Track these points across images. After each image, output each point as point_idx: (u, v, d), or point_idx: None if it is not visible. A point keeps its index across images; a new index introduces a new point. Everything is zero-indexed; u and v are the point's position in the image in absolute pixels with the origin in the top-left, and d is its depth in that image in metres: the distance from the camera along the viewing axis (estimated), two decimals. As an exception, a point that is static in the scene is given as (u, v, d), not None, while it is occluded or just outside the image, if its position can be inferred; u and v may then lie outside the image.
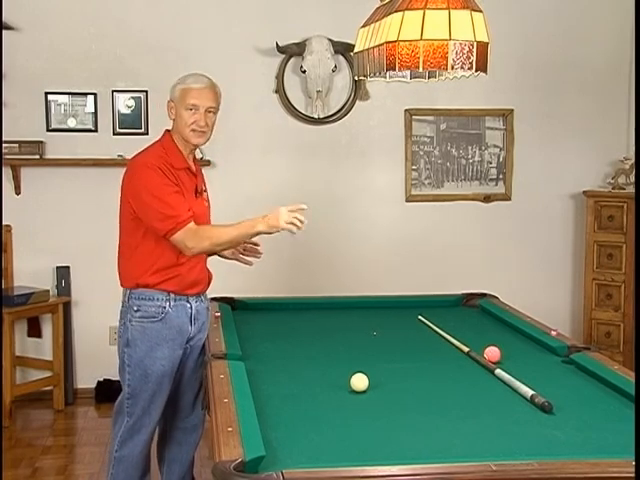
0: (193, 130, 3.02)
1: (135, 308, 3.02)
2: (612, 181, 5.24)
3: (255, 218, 2.94)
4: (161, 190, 2.91)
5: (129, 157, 4.88)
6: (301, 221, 2.87)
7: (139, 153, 3.10)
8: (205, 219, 3.12)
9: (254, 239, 3.19)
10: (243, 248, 3.27)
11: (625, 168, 5.19)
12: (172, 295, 3.03)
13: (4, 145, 4.69)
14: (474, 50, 2.56)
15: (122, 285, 3.09)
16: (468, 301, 3.96)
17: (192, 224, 2.92)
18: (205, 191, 3.21)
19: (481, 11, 2.64)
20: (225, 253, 3.28)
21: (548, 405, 2.42)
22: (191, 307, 3.09)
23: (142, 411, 3.04)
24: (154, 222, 2.92)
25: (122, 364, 3.07)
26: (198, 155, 4.95)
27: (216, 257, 3.32)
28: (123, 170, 4.99)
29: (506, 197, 5.41)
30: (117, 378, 4.96)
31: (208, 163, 4.99)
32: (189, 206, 2.96)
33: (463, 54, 2.55)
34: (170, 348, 3.04)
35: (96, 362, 5.04)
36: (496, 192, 5.40)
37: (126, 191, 3.02)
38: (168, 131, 3.15)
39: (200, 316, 3.14)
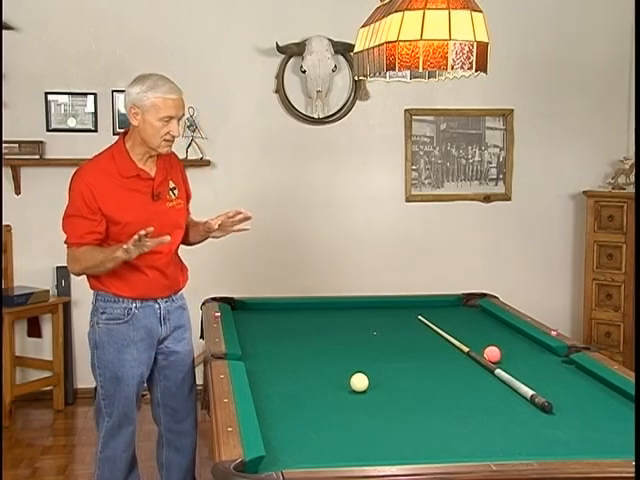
0: (166, 140, 2.94)
1: (101, 310, 3.02)
2: (612, 181, 5.24)
3: (115, 245, 2.89)
4: (69, 208, 2.99)
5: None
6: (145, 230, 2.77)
7: (82, 164, 3.06)
8: (166, 221, 3.00)
9: (232, 210, 3.08)
10: (231, 221, 3.08)
11: (625, 168, 5.19)
12: (137, 299, 3.02)
13: (4, 145, 4.69)
14: (474, 50, 2.56)
15: (90, 286, 3.10)
16: (468, 301, 3.96)
17: (75, 248, 2.95)
18: (173, 189, 3.09)
19: (481, 11, 2.64)
20: (215, 233, 3.12)
21: (548, 405, 2.42)
22: (160, 307, 3.07)
23: (118, 412, 3.04)
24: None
25: (93, 366, 3.10)
26: (198, 155, 4.98)
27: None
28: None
29: (506, 197, 5.41)
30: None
31: (208, 163, 5.00)
32: (96, 230, 2.93)
33: (463, 54, 2.55)
34: (138, 350, 3.02)
35: (96, 362, 5.04)
36: (496, 192, 5.40)
37: None
38: (124, 135, 3.06)
39: (171, 316, 3.10)
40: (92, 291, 3.12)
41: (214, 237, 3.16)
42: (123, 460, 3.10)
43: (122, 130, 4.92)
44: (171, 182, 3.10)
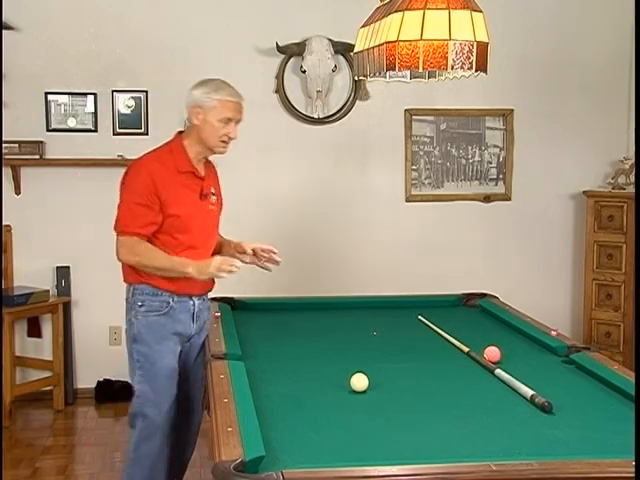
0: (224, 141, 3.09)
1: (139, 303, 3.06)
2: (612, 181, 5.24)
3: (193, 261, 3.01)
4: (131, 195, 2.99)
5: (129, 157, 4.93)
6: (236, 267, 2.97)
7: (144, 155, 3.13)
8: (207, 221, 3.16)
9: (270, 245, 3.24)
10: (263, 255, 3.24)
11: (625, 168, 5.19)
12: (175, 294, 3.07)
13: (4, 145, 4.69)
14: (474, 50, 2.56)
15: (125, 280, 3.12)
16: (468, 301, 3.96)
17: (137, 238, 2.98)
18: (214, 195, 3.22)
19: (481, 11, 2.64)
20: (244, 258, 3.26)
21: (548, 405, 2.42)
22: (194, 305, 3.13)
23: (155, 410, 3.03)
24: (115, 218, 3.03)
25: (132, 361, 3.10)
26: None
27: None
28: (123, 170, 5.01)
29: (506, 197, 5.41)
30: (117, 378, 5.04)
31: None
32: (155, 220, 2.99)
33: (463, 54, 2.55)
34: (174, 342, 3.08)
35: (96, 362, 5.05)
36: (496, 192, 5.40)
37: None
38: (180, 133, 3.15)
39: (202, 315, 3.20)
40: (126, 285, 3.13)
41: (242, 261, 3.26)
42: (157, 462, 3.07)
43: (122, 130, 5.00)
44: (212, 187, 3.22)
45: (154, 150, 3.14)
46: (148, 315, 3.06)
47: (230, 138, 3.09)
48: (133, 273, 3.07)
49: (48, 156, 4.88)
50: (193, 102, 3.06)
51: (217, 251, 3.26)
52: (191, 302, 3.12)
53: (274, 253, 3.23)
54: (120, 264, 3.11)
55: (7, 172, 4.82)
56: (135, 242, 2.98)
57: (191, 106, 3.06)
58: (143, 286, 3.06)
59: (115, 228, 3.03)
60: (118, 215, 3.03)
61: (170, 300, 3.06)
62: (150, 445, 3.04)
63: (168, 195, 2.99)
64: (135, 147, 4.91)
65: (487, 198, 5.39)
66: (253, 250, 3.23)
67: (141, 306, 3.06)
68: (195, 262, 2.99)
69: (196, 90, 3.07)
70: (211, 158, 3.26)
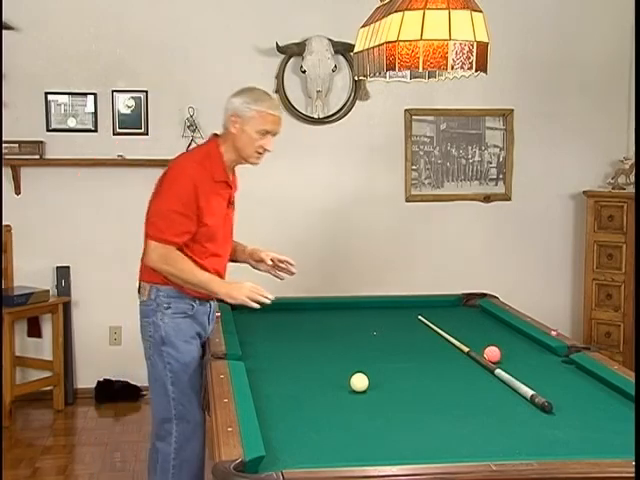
0: (259, 153, 3.06)
1: (165, 305, 3.01)
2: (612, 181, 5.24)
3: (222, 280, 3.04)
4: (172, 202, 2.93)
5: (129, 157, 4.95)
6: (269, 299, 2.97)
7: (185, 155, 3.11)
8: (228, 228, 3.16)
9: (287, 256, 3.25)
10: (280, 265, 3.26)
11: (625, 168, 5.19)
12: (197, 297, 3.07)
13: (4, 145, 4.69)
14: (474, 50, 2.56)
15: (145, 279, 3.06)
16: (468, 301, 3.96)
17: (172, 248, 2.93)
18: (234, 202, 3.21)
19: (481, 11, 2.64)
20: (260, 266, 3.28)
21: (548, 405, 2.42)
22: (210, 307, 3.15)
23: (192, 409, 3.00)
24: (149, 220, 2.98)
25: (158, 363, 3.02)
26: (198, 155, 4.97)
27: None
28: (123, 170, 5.05)
29: (506, 197, 5.41)
30: (117, 378, 5.04)
31: (208, 163, 4.99)
32: (191, 230, 2.95)
33: (463, 54, 2.55)
34: (197, 343, 3.08)
35: (96, 362, 5.05)
36: (496, 192, 5.40)
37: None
38: (216, 136, 3.11)
39: (213, 317, 3.22)
40: (144, 284, 3.05)
41: (255, 267, 3.30)
42: (199, 462, 3.05)
43: (122, 130, 5.00)
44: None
45: (193, 152, 3.11)
46: (175, 317, 3.01)
47: (265, 150, 3.05)
48: (156, 274, 3.01)
49: (48, 156, 4.88)
50: (232, 110, 3.01)
51: (231, 255, 3.24)
52: (208, 305, 3.14)
53: (291, 264, 3.24)
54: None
55: (7, 172, 4.82)
56: (169, 250, 2.93)
57: (229, 114, 3.02)
58: (169, 288, 3.01)
59: (148, 232, 2.97)
60: (154, 219, 2.96)
61: (194, 303, 3.05)
62: (192, 445, 3.02)
63: (205, 204, 2.96)
64: (135, 147, 4.96)
65: (487, 198, 5.39)
66: (272, 260, 3.24)
67: (168, 308, 3.01)
68: (224, 283, 3.01)
69: (236, 98, 3.04)
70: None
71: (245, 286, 2.98)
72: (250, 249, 3.30)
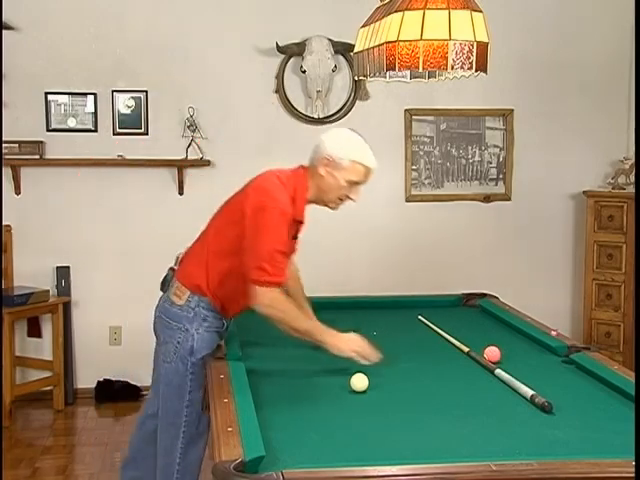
0: (342, 200, 2.96)
1: (203, 317, 2.94)
2: (612, 181, 5.24)
3: (325, 328, 2.88)
4: (276, 242, 2.79)
5: (129, 157, 4.94)
6: (378, 358, 2.79)
7: (275, 184, 2.91)
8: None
9: None
10: None
11: (625, 168, 5.19)
12: (227, 317, 3.04)
13: (4, 145, 4.69)
14: (474, 50, 2.56)
15: (187, 284, 2.95)
16: (468, 301, 3.95)
17: (278, 289, 2.81)
18: None
19: (481, 11, 2.64)
20: None
21: (548, 405, 2.42)
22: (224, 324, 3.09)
23: (198, 417, 2.96)
24: (255, 265, 2.78)
25: (183, 371, 2.92)
26: (198, 155, 4.99)
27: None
28: (123, 170, 5.06)
29: (506, 197, 5.41)
30: (117, 378, 5.04)
31: (208, 163, 5.00)
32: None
33: (463, 54, 2.55)
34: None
35: (96, 362, 5.06)
36: (496, 192, 5.40)
37: (248, 213, 2.84)
38: (304, 169, 2.99)
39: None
40: (188, 292, 2.94)
41: None
42: (199, 466, 3.02)
43: (122, 130, 4.99)
44: None
45: (284, 183, 2.92)
46: (209, 331, 2.95)
47: (349, 199, 2.96)
48: (206, 284, 2.92)
49: (48, 156, 4.88)
50: (325, 152, 2.90)
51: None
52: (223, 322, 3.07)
53: None
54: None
55: (7, 172, 4.82)
56: (278, 294, 2.81)
57: (322, 155, 2.90)
58: (210, 301, 2.94)
59: (255, 277, 2.77)
60: (261, 263, 2.76)
61: (225, 321, 3.02)
62: (197, 448, 2.99)
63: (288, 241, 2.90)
64: (135, 147, 4.96)
65: (487, 198, 5.39)
66: None
67: (205, 320, 2.94)
68: (330, 332, 2.85)
69: (331, 142, 2.93)
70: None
71: (353, 339, 2.83)
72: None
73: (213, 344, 2.95)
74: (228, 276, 2.93)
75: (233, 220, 2.91)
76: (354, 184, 2.92)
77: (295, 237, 3.03)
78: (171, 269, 3.13)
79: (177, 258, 3.14)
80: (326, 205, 2.99)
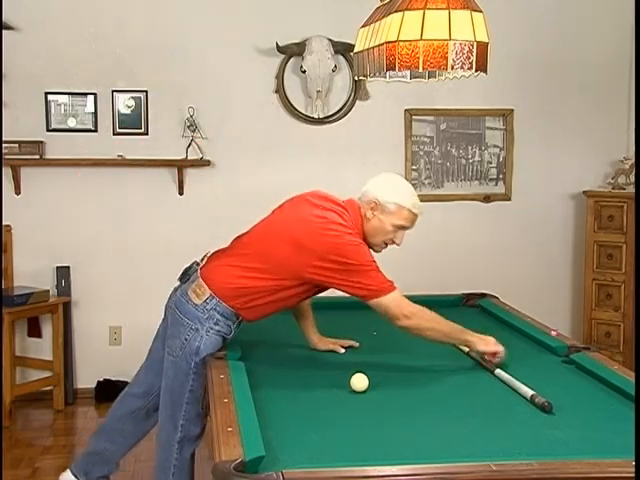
0: (386, 245, 3.01)
1: (215, 320, 2.92)
2: (612, 181, 5.24)
3: (468, 330, 2.93)
4: (365, 258, 2.88)
5: (129, 157, 4.94)
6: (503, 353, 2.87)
7: (334, 220, 2.92)
8: None
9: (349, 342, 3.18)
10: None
11: (625, 168, 5.19)
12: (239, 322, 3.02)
13: (4, 145, 4.69)
14: (474, 50, 2.56)
15: (213, 286, 2.93)
16: (468, 301, 3.96)
17: (398, 292, 2.89)
18: None
19: (481, 11, 2.64)
20: (318, 346, 3.17)
21: (548, 405, 2.42)
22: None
23: (197, 415, 2.98)
24: (354, 287, 2.88)
25: (185, 368, 2.93)
26: (198, 155, 4.99)
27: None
28: (123, 170, 5.06)
29: (506, 197, 5.41)
30: (117, 378, 5.03)
31: (208, 163, 5.00)
32: None
33: (463, 54, 2.55)
34: None
35: (96, 362, 5.06)
36: (496, 192, 5.40)
37: (312, 246, 2.85)
38: (359, 210, 2.99)
39: None
40: (208, 293, 2.93)
41: (314, 345, 3.19)
42: (192, 463, 3.05)
43: (122, 130, 4.98)
44: None
45: (346, 225, 2.92)
46: (218, 334, 2.93)
47: (394, 243, 3.01)
48: (232, 294, 2.92)
49: (48, 156, 4.88)
50: (374, 196, 2.94)
51: (299, 316, 3.23)
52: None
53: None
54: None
55: (7, 172, 4.82)
56: (400, 295, 2.89)
57: (371, 198, 2.95)
58: (227, 307, 2.92)
59: (370, 293, 2.85)
60: (358, 283, 2.84)
61: (234, 328, 2.98)
62: (193, 446, 3.01)
63: None
64: (135, 147, 4.96)
65: (487, 198, 5.39)
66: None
67: (216, 324, 2.92)
68: (470, 332, 2.92)
69: (384, 187, 2.97)
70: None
71: (490, 339, 2.91)
72: (319, 336, 3.21)
73: (217, 347, 2.94)
74: (258, 294, 2.93)
75: (285, 250, 2.90)
76: (400, 228, 2.96)
77: None
78: (196, 263, 3.11)
79: (205, 255, 3.12)
80: (371, 248, 3.00)
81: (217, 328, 2.93)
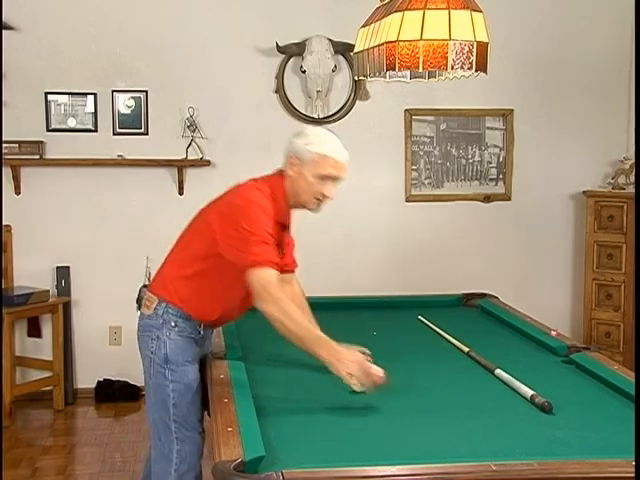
0: (318, 199, 2.82)
1: (172, 323, 2.83)
2: (612, 181, 5.24)
3: (330, 343, 2.58)
4: (260, 230, 2.67)
5: (129, 157, 4.94)
6: (382, 379, 2.51)
7: (247, 186, 2.82)
8: None
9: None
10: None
11: (625, 168, 5.19)
12: (210, 325, 2.94)
13: (4, 145, 4.69)
14: (474, 50, 2.56)
15: (156, 292, 2.86)
16: (468, 301, 3.96)
17: (273, 273, 2.64)
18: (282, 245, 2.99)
19: (481, 11, 2.64)
20: None
21: (548, 405, 2.42)
22: (212, 332, 3.01)
23: (196, 422, 2.86)
24: (239, 253, 2.67)
25: (163, 384, 2.80)
26: (198, 155, 4.99)
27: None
28: (123, 170, 5.06)
29: (506, 197, 5.41)
30: (117, 378, 5.04)
31: (208, 163, 5.00)
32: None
33: (463, 54, 2.55)
34: (197, 366, 2.89)
35: (96, 362, 5.05)
36: (496, 192, 5.40)
37: (218, 215, 2.76)
38: (281, 174, 2.86)
39: (212, 339, 3.06)
40: (156, 300, 2.84)
41: None
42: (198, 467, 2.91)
43: (122, 130, 4.99)
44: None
45: (255, 187, 2.81)
46: (181, 336, 2.83)
47: (325, 197, 2.81)
48: (173, 291, 2.84)
49: (48, 156, 4.88)
50: (292, 151, 2.81)
51: None
52: (210, 330, 2.98)
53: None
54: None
55: (7, 172, 4.82)
56: (274, 278, 2.63)
57: (289, 155, 2.82)
58: (178, 309, 2.83)
59: (244, 260, 2.63)
60: (245, 247, 2.63)
61: (200, 329, 2.87)
62: (194, 457, 2.87)
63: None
64: (135, 147, 4.96)
65: (487, 198, 5.39)
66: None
67: (175, 326, 2.83)
68: (330, 347, 2.56)
69: (297, 139, 2.83)
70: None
71: (355, 355, 2.55)
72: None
73: (190, 350, 2.83)
74: (193, 280, 2.83)
75: (199, 230, 2.84)
76: (324, 179, 2.78)
77: (279, 247, 2.88)
78: (143, 286, 3.04)
79: (149, 275, 3.06)
80: (305, 207, 2.87)
81: (177, 330, 2.82)
